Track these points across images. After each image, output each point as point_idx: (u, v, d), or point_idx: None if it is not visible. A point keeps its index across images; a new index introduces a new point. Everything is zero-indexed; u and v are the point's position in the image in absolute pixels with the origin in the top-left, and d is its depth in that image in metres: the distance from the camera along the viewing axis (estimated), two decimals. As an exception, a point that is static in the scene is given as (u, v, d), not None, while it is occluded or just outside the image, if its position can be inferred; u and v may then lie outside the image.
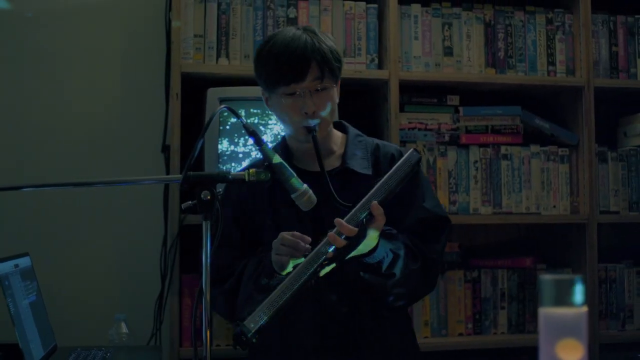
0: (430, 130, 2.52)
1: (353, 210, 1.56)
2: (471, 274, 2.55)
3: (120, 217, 2.55)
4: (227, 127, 2.27)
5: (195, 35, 2.36)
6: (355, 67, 2.42)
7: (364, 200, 1.57)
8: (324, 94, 1.70)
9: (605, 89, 2.62)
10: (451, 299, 2.52)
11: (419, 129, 2.51)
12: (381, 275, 1.66)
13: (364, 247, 1.59)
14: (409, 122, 2.50)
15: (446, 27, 2.54)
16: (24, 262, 2.01)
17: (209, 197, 1.40)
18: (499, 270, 2.58)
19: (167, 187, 2.48)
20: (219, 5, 2.38)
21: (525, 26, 2.61)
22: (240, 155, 2.27)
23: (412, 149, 1.64)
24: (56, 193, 2.43)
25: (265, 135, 2.27)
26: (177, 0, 2.31)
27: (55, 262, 2.47)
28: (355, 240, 1.55)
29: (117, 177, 2.33)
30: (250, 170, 1.45)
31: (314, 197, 1.50)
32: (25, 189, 2.27)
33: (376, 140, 1.87)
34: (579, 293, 0.81)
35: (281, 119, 1.77)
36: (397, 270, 1.66)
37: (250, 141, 1.50)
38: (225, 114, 2.22)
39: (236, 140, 2.27)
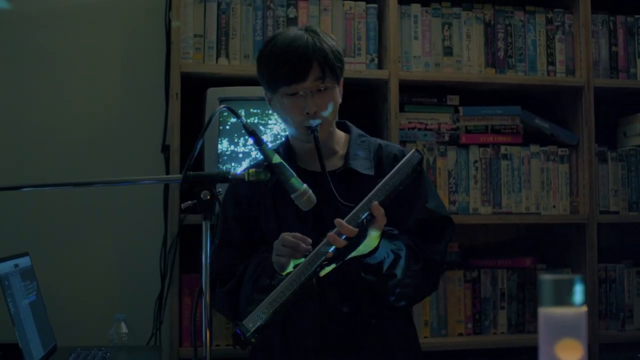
0: (430, 130, 2.52)
1: (354, 211, 1.56)
2: (471, 274, 2.56)
3: (120, 217, 2.56)
4: (227, 127, 2.27)
5: (195, 35, 2.36)
6: (355, 67, 2.42)
7: (364, 200, 1.57)
8: (326, 94, 1.70)
9: (605, 89, 2.62)
10: (451, 299, 2.52)
11: (419, 129, 2.51)
12: (382, 275, 1.66)
13: (364, 248, 1.59)
14: (409, 122, 2.50)
15: (446, 27, 2.54)
16: (24, 262, 2.01)
17: (208, 197, 1.40)
18: (499, 270, 2.58)
19: (167, 187, 2.48)
20: (219, 5, 2.38)
21: (525, 26, 2.61)
22: (240, 155, 2.27)
23: (414, 150, 1.64)
24: (56, 193, 2.43)
25: (265, 135, 2.27)
26: (177, 0, 2.32)
27: (55, 262, 2.47)
28: (355, 240, 1.55)
29: (117, 177, 2.33)
30: (250, 170, 1.45)
31: (313, 197, 1.50)
32: (25, 189, 2.27)
33: (379, 141, 1.87)
34: (578, 293, 0.81)
35: (283, 119, 1.77)
36: (398, 270, 1.66)
37: (250, 141, 1.50)
38: (225, 113, 2.22)
39: (236, 140, 2.27)
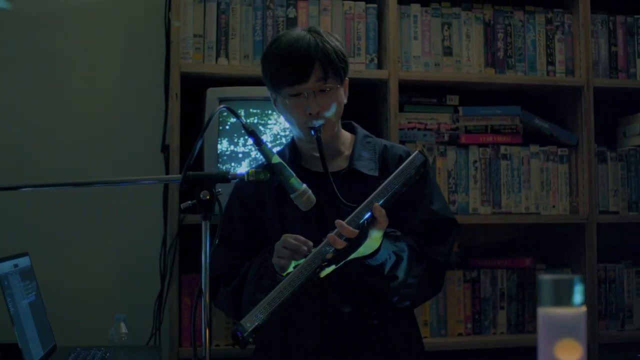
0: (430, 130, 2.52)
1: (354, 212, 1.56)
2: (470, 274, 2.56)
3: (120, 217, 2.56)
4: (227, 127, 2.27)
5: (194, 35, 2.36)
6: (354, 67, 2.41)
7: (366, 201, 1.56)
8: (328, 94, 1.70)
9: (604, 89, 2.62)
10: (450, 299, 2.52)
11: (419, 129, 2.51)
12: (384, 277, 1.66)
13: (365, 249, 1.58)
14: (409, 122, 2.50)
15: (446, 27, 2.54)
16: (24, 262, 2.01)
17: (208, 197, 1.40)
18: (499, 270, 2.58)
19: (166, 187, 2.48)
20: (219, 5, 2.38)
21: (525, 26, 2.61)
22: (240, 155, 2.27)
23: (417, 151, 1.63)
24: (56, 193, 2.43)
25: (264, 136, 2.27)
26: (177, 0, 2.32)
27: (55, 262, 2.47)
28: (356, 241, 1.55)
29: (117, 177, 2.33)
30: (250, 170, 1.46)
31: (313, 198, 1.50)
32: (25, 189, 2.27)
33: (385, 142, 1.87)
34: (578, 293, 0.81)
35: (287, 119, 1.77)
36: (401, 272, 1.65)
37: (250, 141, 1.50)
38: (225, 113, 2.22)
39: (236, 140, 2.27)
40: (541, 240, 2.77)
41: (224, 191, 1.48)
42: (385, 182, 1.58)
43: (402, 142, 2.44)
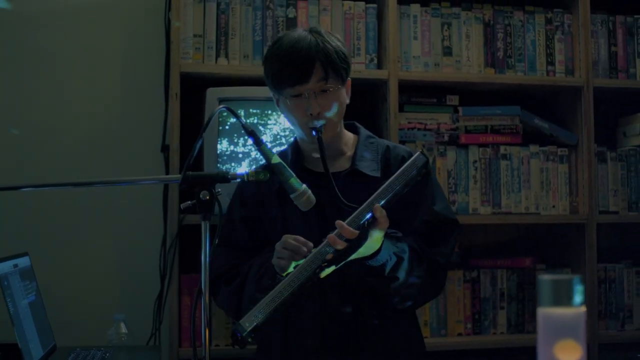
0: (430, 130, 2.52)
1: (355, 213, 1.55)
2: (470, 274, 2.56)
3: (120, 217, 2.56)
4: (227, 127, 2.27)
5: (194, 35, 2.36)
6: (354, 67, 2.39)
7: (367, 202, 1.56)
8: (329, 95, 1.70)
9: (604, 89, 2.62)
10: (450, 299, 2.52)
11: (418, 129, 2.51)
12: (384, 278, 1.65)
13: (366, 250, 1.58)
14: (408, 122, 2.50)
15: (445, 27, 2.54)
16: (23, 262, 2.01)
17: (208, 197, 1.40)
18: (498, 270, 2.58)
19: (166, 187, 2.48)
20: (218, 5, 2.38)
21: (525, 26, 2.61)
22: (240, 156, 2.27)
23: (418, 152, 1.62)
24: (56, 193, 2.43)
25: (264, 136, 2.27)
26: (177, 0, 2.32)
27: (55, 262, 2.47)
28: (356, 242, 1.54)
29: (117, 177, 2.33)
30: (250, 171, 1.46)
31: (312, 198, 1.50)
32: (24, 189, 2.27)
33: (387, 142, 1.87)
34: (577, 293, 0.81)
35: (289, 120, 1.77)
36: (401, 273, 1.65)
37: (250, 141, 1.50)
38: (225, 114, 2.22)
39: (235, 140, 2.27)
40: (541, 240, 2.77)
41: (224, 191, 1.48)
42: (387, 182, 1.58)
43: (402, 142, 2.44)
